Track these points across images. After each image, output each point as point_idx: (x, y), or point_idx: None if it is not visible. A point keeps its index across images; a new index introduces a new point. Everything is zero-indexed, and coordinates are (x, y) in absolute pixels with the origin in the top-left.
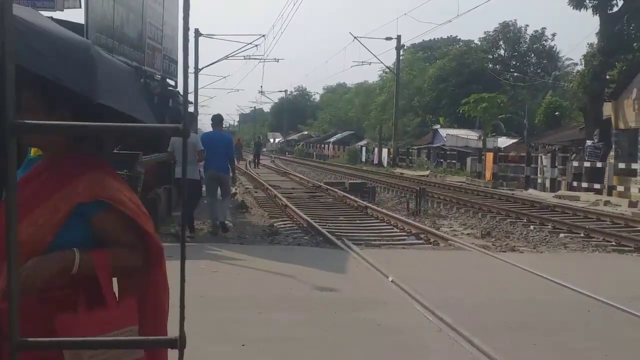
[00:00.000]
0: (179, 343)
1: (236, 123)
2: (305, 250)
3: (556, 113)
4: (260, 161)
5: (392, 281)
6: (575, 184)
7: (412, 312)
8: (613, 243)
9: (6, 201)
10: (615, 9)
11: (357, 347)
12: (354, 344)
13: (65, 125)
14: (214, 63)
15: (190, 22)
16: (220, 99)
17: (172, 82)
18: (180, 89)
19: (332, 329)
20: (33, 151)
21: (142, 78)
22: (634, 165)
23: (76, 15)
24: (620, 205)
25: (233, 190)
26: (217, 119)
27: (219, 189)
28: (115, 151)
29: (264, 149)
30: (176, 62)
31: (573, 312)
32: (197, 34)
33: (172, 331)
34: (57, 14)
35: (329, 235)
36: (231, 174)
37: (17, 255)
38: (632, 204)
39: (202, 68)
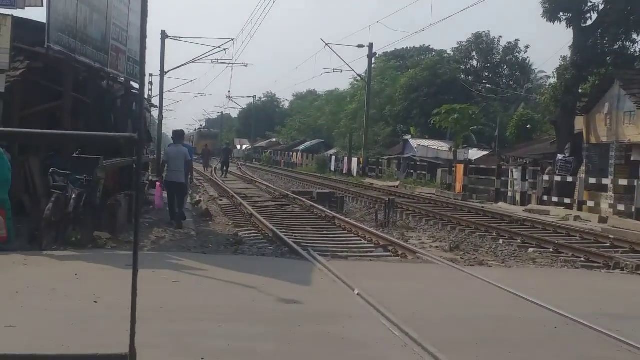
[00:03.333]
0: (130, 358)
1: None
2: (270, 261)
3: (528, 126)
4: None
5: (358, 294)
6: (545, 198)
7: (378, 326)
8: (582, 259)
9: None
10: (589, 22)
11: None
12: (317, 358)
13: (29, 132)
14: (180, 66)
15: (156, 23)
16: (186, 103)
17: (136, 85)
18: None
19: (295, 342)
20: None
21: (105, 80)
22: (604, 181)
23: (38, 13)
24: (590, 221)
25: (197, 197)
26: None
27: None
28: (75, 155)
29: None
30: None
31: (540, 329)
32: (164, 36)
33: (124, 346)
34: (18, 12)
35: (294, 245)
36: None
37: None
38: (602, 220)
39: (168, 71)
